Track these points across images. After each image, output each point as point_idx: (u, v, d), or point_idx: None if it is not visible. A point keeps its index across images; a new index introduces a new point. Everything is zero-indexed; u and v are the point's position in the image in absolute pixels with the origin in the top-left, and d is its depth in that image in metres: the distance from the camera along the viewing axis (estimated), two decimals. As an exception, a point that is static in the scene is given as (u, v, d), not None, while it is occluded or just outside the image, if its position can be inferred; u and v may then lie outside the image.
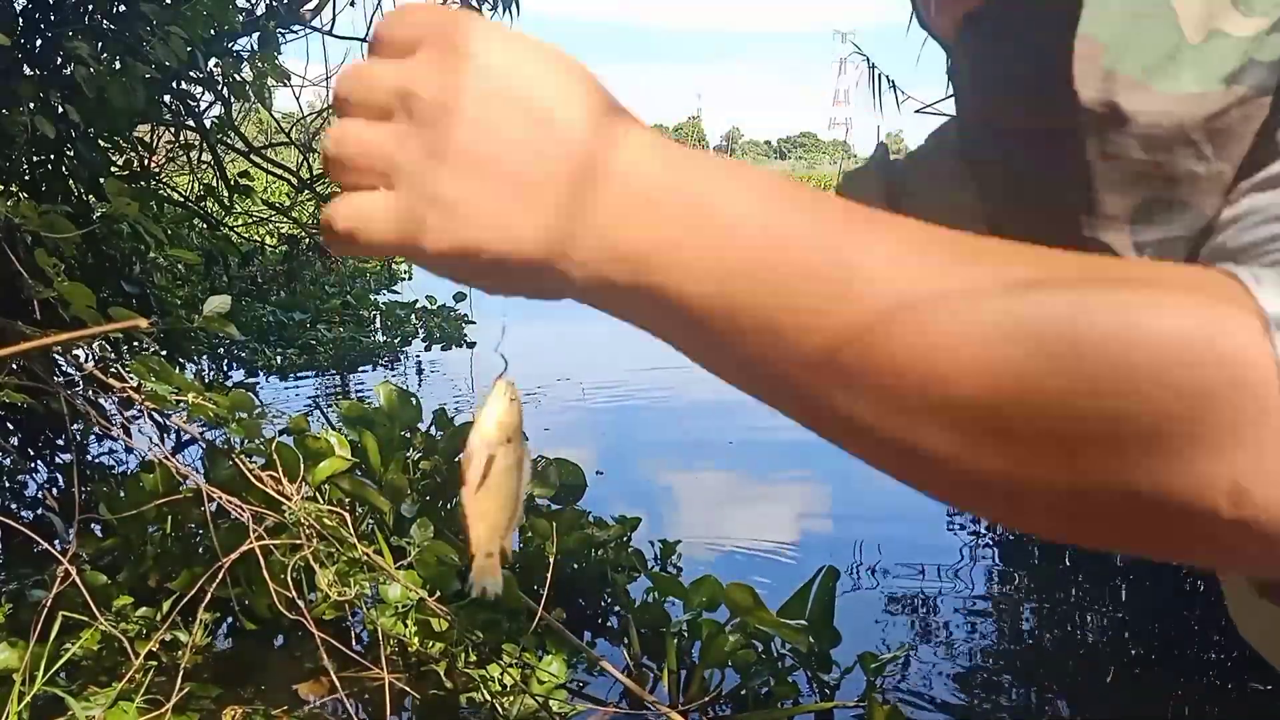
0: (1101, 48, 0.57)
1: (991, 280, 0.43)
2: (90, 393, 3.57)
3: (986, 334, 0.41)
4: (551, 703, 2.73)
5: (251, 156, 6.53)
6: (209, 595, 2.41)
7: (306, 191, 6.98)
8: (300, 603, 2.46)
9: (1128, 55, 0.56)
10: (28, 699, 2.37)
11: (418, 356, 7.95)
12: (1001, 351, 0.41)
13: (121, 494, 3.30)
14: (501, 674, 2.77)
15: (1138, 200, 0.59)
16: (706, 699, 2.84)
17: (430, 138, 0.44)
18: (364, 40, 6.68)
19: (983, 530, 4.57)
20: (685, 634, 3.02)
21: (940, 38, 0.72)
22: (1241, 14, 0.57)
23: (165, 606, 2.89)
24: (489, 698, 2.74)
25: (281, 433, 3.29)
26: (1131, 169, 0.58)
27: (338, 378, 7.16)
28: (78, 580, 2.31)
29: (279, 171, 6.92)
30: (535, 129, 0.45)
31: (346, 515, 2.61)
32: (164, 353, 4.24)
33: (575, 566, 3.45)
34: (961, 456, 0.43)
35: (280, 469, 2.68)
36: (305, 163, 6.94)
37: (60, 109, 3.82)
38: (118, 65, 3.90)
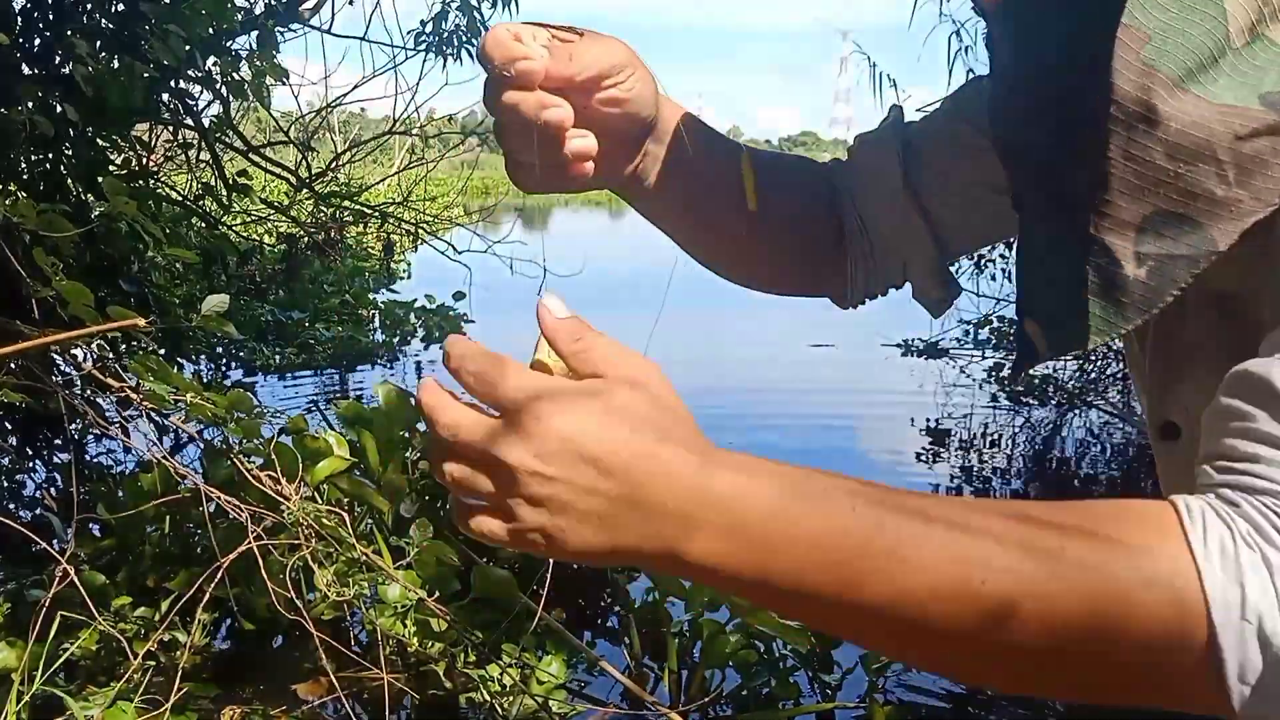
0: (1145, 38, 0.56)
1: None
2: (88, 392, 3.57)
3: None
4: (551, 703, 2.72)
5: (250, 155, 6.52)
6: (207, 595, 2.40)
7: (305, 190, 6.98)
8: (299, 603, 2.45)
9: (1170, 51, 0.55)
10: (26, 699, 2.36)
11: (417, 356, 7.94)
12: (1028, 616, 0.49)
13: (120, 494, 3.29)
14: (501, 674, 2.76)
15: (1149, 209, 0.58)
16: (707, 699, 2.84)
17: (529, 496, 0.52)
18: (363, 39, 6.68)
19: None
20: (686, 634, 3.01)
21: (981, 4, 0.71)
22: None
23: (164, 606, 2.88)
24: (488, 698, 2.74)
25: (280, 432, 3.28)
26: (1151, 175, 0.57)
27: (336, 377, 7.15)
28: (76, 580, 2.31)
29: (278, 170, 6.91)
30: (615, 497, 0.52)
31: (345, 515, 2.61)
32: (162, 352, 4.24)
33: (574, 565, 3.44)
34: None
35: (279, 469, 2.67)
36: (304, 162, 6.93)
37: (59, 108, 3.81)
38: (116, 64, 3.89)
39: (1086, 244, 0.60)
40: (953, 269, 0.93)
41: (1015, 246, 0.72)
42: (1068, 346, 0.65)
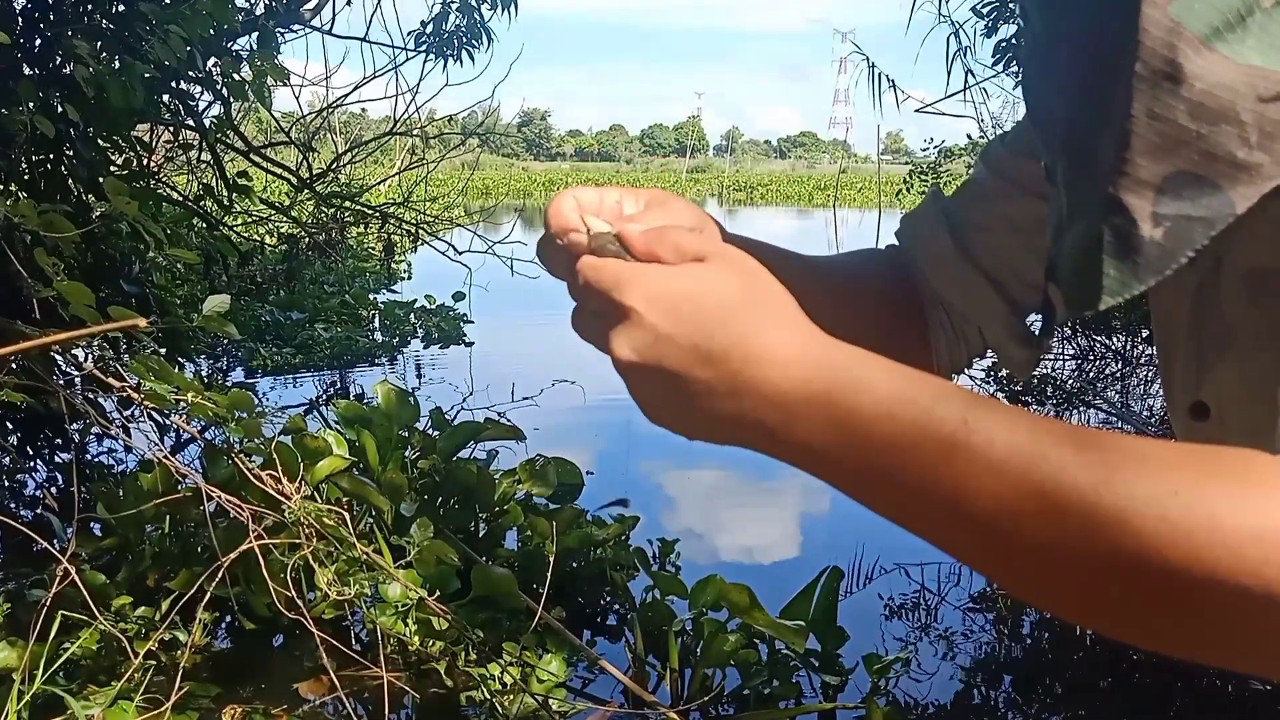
0: None
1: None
2: (89, 392, 3.57)
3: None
4: (551, 701, 2.73)
5: (251, 156, 6.53)
6: (208, 594, 2.41)
7: (306, 191, 6.98)
8: (300, 602, 2.45)
9: (1198, 8, 0.55)
10: (27, 698, 2.37)
11: (416, 356, 7.95)
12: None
13: (120, 493, 3.30)
14: (501, 673, 2.77)
15: (1169, 169, 0.58)
16: (708, 698, 2.84)
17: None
18: (363, 40, 6.69)
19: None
20: (688, 633, 3.02)
21: None
22: None
23: (164, 606, 2.88)
24: (489, 696, 2.74)
25: (280, 432, 3.29)
26: (1173, 134, 0.57)
27: (336, 377, 7.16)
28: (77, 580, 2.31)
29: (278, 171, 6.92)
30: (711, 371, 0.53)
31: (345, 514, 2.61)
32: (163, 352, 4.24)
33: (575, 565, 3.45)
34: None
35: (279, 468, 2.68)
36: (305, 162, 6.94)
37: (60, 108, 3.82)
38: (117, 64, 3.89)
39: (1106, 203, 0.60)
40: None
41: (1047, 219, 0.73)
42: (1081, 306, 0.65)
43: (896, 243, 0.97)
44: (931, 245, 0.91)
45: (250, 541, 2.44)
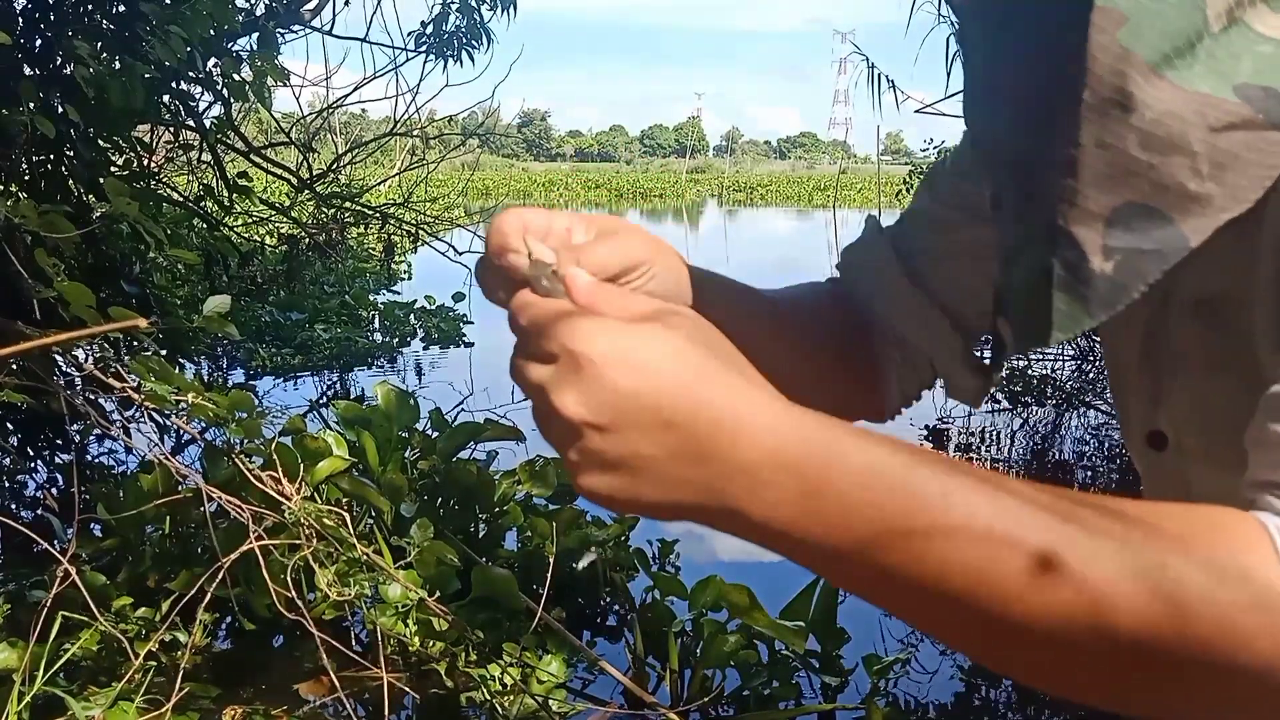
0: (1122, 20, 0.54)
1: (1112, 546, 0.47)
2: (90, 393, 3.57)
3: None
4: (551, 702, 2.73)
5: (251, 156, 6.53)
6: (208, 595, 2.41)
7: (306, 191, 6.98)
8: (300, 603, 2.45)
9: (1146, 33, 0.53)
10: (28, 699, 2.37)
11: (416, 356, 7.95)
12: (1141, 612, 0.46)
13: (121, 494, 3.30)
14: (501, 674, 2.77)
15: (1119, 201, 0.56)
16: (707, 699, 2.84)
17: (587, 444, 0.49)
18: (364, 41, 6.69)
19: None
20: (687, 634, 3.02)
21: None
22: (1272, 10, 0.54)
23: (164, 606, 2.88)
24: (489, 697, 2.74)
25: (280, 433, 3.29)
26: (1123, 165, 0.55)
27: (336, 377, 7.15)
28: (77, 580, 2.31)
29: (279, 171, 6.92)
30: (669, 441, 0.48)
31: (345, 515, 2.61)
32: (164, 353, 4.24)
33: (574, 565, 3.45)
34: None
35: (279, 469, 2.68)
36: (305, 163, 6.94)
37: (60, 108, 3.82)
38: (117, 65, 3.89)
39: (1054, 236, 0.59)
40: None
41: (995, 246, 0.72)
42: (1030, 341, 0.63)
43: (839, 275, 0.93)
44: (881, 276, 0.88)
45: (250, 542, 2.44)
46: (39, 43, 4.13)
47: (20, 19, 4.10)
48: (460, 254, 7.92)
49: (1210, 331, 0.63)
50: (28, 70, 4.06)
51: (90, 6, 4.20)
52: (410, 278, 11.53)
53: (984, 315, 0.89)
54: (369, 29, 6.72)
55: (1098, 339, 0.84)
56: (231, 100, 5.46)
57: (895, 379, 0.91)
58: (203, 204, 6.10)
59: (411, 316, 8.75)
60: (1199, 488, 0.67)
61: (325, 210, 7.42)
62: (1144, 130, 0.54)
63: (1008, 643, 0.49)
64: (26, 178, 4.14)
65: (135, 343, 3.46)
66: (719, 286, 0.79)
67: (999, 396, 6.55)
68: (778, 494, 0.47)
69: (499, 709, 2.70)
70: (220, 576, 2.39)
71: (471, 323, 8.73)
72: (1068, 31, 0.56)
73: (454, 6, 6.49)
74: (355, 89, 7.11)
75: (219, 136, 5.95)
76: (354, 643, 3.02)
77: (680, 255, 0.72)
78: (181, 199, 6.15)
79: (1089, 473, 5.45)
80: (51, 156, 4.06)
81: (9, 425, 4.71)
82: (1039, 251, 0.60)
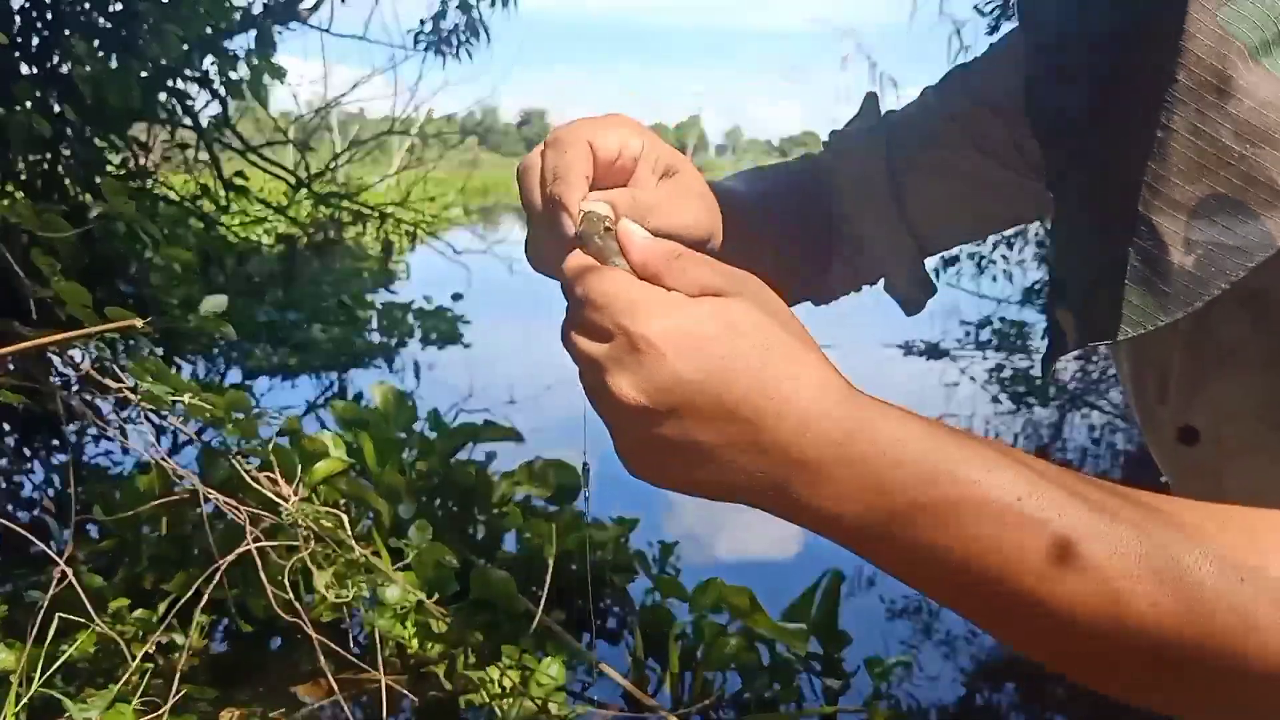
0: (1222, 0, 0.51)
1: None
2: (86, 393, 3.55)
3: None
4: (551, 705, 2.71)
5: (248, 155, 6.51)
6: (205, 597, 2.39)
7: (303, 190, 6.97)
8: (297, 605, 2.44)
9: (1248, 15, 0.51)
10: (25, 701, 2.35)
11: (414, 357, 7.93)
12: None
13: (117, 495, 3.28)
14: (501, 676, 2.75)
15: (1206, 191, 0.53)
16: (708, 702, 2.83)
17: (641, 424, 0.48)
18: (362, 39, 6.67)
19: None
20: (688, 636, 3.00)
21: None
22: None
23: (161, 608, 2.87)
24: (488, 700, 2.73)
25: (278, 433, 3.27)
26: (1214, 154, 0.53)
27: (334, 378, 7.14)
28: (74, 582, 2.29)
29: (276, 170, 6.90)
30: (728, 429, 0.47)
31: (344, 516, 2.59)
32: (160, 353, 4.22)
33: (574, 568, 3.43)
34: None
35: (277, 470, 2.66)
36: (302, 162, 6.93)
37: (57, 108, 3.81)
38: (114, 64, 3.88)
39: (1132, 224, 0.55)
40: (940, 270, 0.90)
41: (1050, 230, 0.68)
42: (1095, 336, 0.60)
43: (825, 150, 0.92)
44: (861, 174, 0.86)
45: (248, 544, 2.42)
46: (36, 42, 4.11)
47: (18, 18, 4.08)
48: (459, 253, 7.92)
49: (1259, 324, 0.61)
50: (24, 69, 4.05)
51: (87, 5, 4.18)
52: (408, 277, 11.52)
53: (947, 236, 0.89)
54: (367, 27, 6.73)
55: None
56: (229, 99, 5.46)
57: (843, 271, 0.90)
58: (200, 203, 6.08)
59: (410, 316, 8.73)
60: (1233, 482, 0.65)
61: (323, 209, 7.41)
62: (1240, 119, 0.52)
63: (1076, 652, 0.47)
64: (23, 177, 4.13)
65: (132, 343, 3.44)
66: (729, 215, 0.75)
67: (1001, 398, 6.54)
68: (839, 488, 0.46)
69: (498, 712, 2.68)
70: (217, 578, 2.37)
71: (470, 323, 8.71)
72: (1163, 9, 0.53)
73: (453, 4, 6.48)
74: (354, 87, 7.11)
75: (216, 135, 5.94)
76: (352, 645, 3.00)
77: (705, 184, 0.68)
78: (178, 198, 6.13)
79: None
80: (48, 156, 4.05)
81: (5, 426, 4.69)
82: (1112, 239, 0.57)
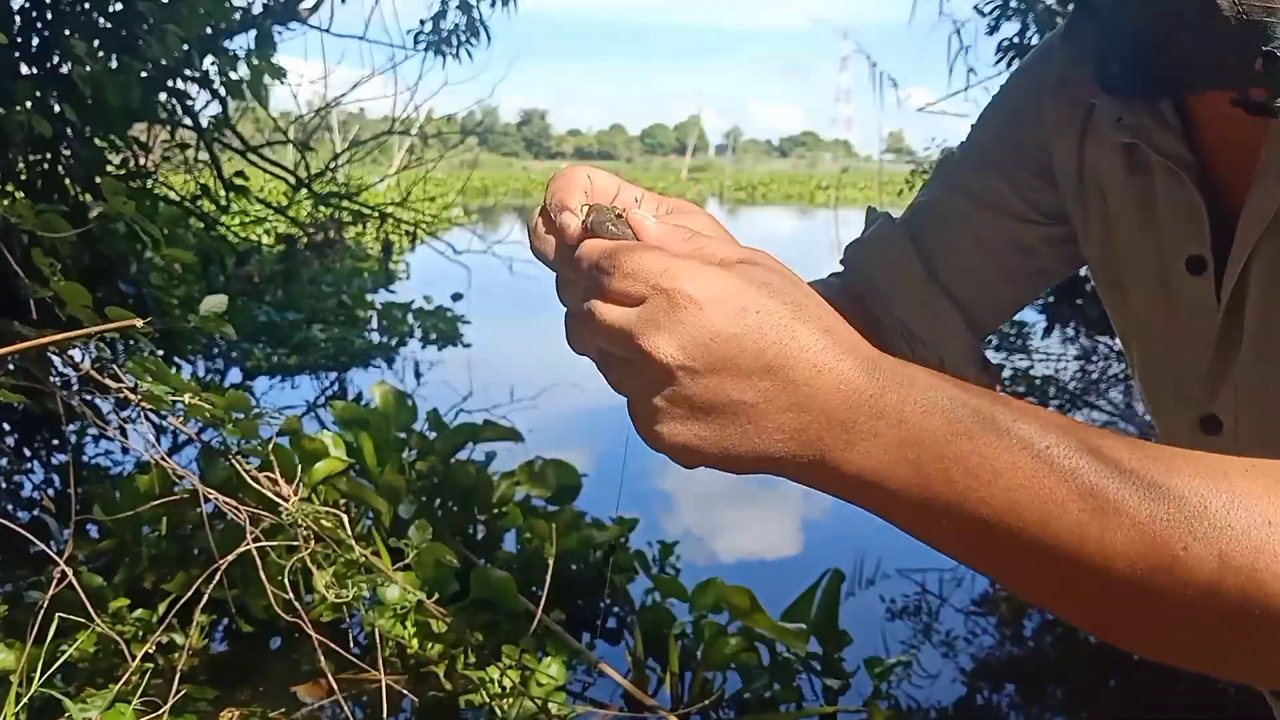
0: None
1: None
2: (86, 393, 3.55)
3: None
4: (551, 705, 2.71)
5: (248, 155, 6.51)
6: (205, 597, 2.39)
7: (303, 190, 6.97)
8: (297, 604, 2.43)
9: None
10: (25, 701, 2.35)
11: (414, 356, 7.93)
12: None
13: (117, 495, 3.28)
14: (501, 676, 2.75)
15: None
16: (708, 702, 2.83)
17: (676, 391, 0.47)
18: (362, 39, 6.67)
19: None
20: (688, 636, 3.00)
21: None
22: None
23: (161, 608, 2.87)
24: (488, 700, 2.72)
25: (278, 433, 3.27)
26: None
27: (333, 378, 7.14)
28: (74, 582, 2.29)
29: (276, 170, 6.90)
30: (766, 386, 0.46)
31: (343, 516, 2.59)
32: (160, 353, 4.22)
33: (574, 567, 3.43)
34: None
35: (276, 470, 2.66)
36: (302, 162, 6.92)
37: (57, 108, 3.81)
38: (114, 64, 3.88)
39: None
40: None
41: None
42: None
43: (844, 269, 0.93)
44: (896, 270, 0.88)
45: (247, 543, 2.42)
46: (36, 42, 4.11)
47: (18, 18, 4.08)
48: (459, 253, 7.91)
49: None
50: (24, 69, 4.05)
51: (87, 5, 4.18)
52: (408, 277, 11.52)
53: (994, 310, 0.90)
54: (367, 27, 6.72)
55: (1117, 335, 0.85)
56: (229, 99, 5.45)
57: None
58: (200, 203, 6.08)
59: (409, 316, 8.73)
60: None
61: (323, 209, 7.41)
62: None
63: (1114, 609, 0.47)
64: (23, 177, 4.13)
65: (132, 343, 3.44)
66: None
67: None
68: (872, 444, 0.46)
69: (498, 711, 2.68)
70: (217, 578, 2.37)
71: (470, 323, 8.71)
72: None
73: (453, 3, 6.48)
74: (354, 87, 7.11)
75: (216, 135, 5.94)
76: (352, 645, 3.00)
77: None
78: (178, 198, 6.13)
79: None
80: (48, 156, 4.05)
81: (5, 426, 4.69)
82: None
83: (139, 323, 2.09)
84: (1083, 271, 0.89)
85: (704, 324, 0.46)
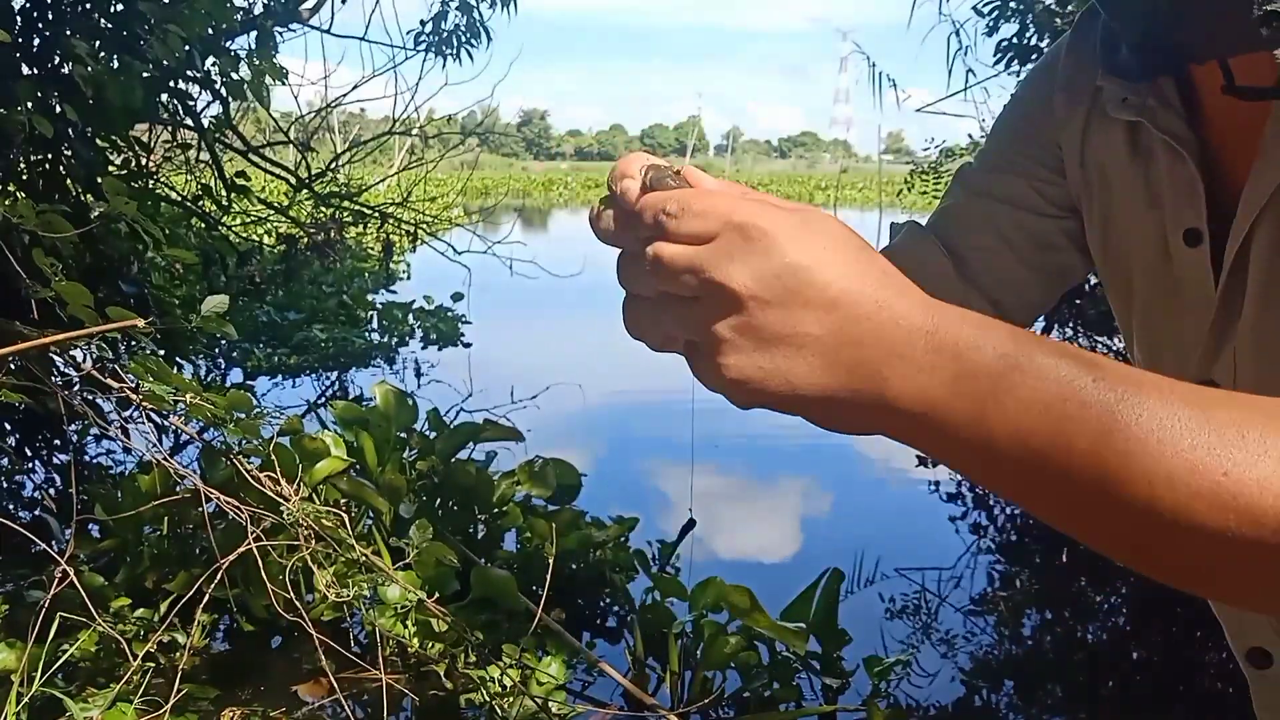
0: None
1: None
2: (88, 393, 3.56)
3: None
4: (551, 704, 2.72)
5: (249, 156, 6.52)
6: (207, 596, 2.40)
7: (304, 191, 6.97)
8: (298, 604, 2.44)
9: None
10: (26, 700, 2.36)
11: (414, 356, 7.93)
12: None
13: (119, 495, 3.28)
14: (501, 675, 2.76)
15: None
16: (708, 701, 2.83)
17: (742, 324, 0.49)
18: (363, 39, 6.67)
19: (984, 529, 4.56)
20: (688, 635, 3.01)
21: None
22: None
23: (163, 607, 2.88)
24: (489, 699, 2.73)
25: (279, 433, 3.28)
26: None
27: (334, 378, 7.15)
28: (75, 581, 2.30)
29: (277, 171, 6.91)
30: (831, 318, 0.48)
31: (344, 516, 2.60)
32: (162, 353, 4.23)
33: (574, 567, 3.44)
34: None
35: (278, 470, 2.66)
36: (303, 162, 6.93)
37: (58, 108, 3.81)
38: (115, 64, 3.88)
39: (1252, 27, 0.60)
40: None
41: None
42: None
43: None
44: (928, 270, 0.90)
45: (249, 543, 2.43)
46: (37, 42, 4.12)
47: (19, 18, 4.09)
48: (459, 254, 7.92)
49: None
50: (26, 70, 4.05)
51: (89, 6, 4.19)
52: (409, 277, 11.53)
53: (1026, 306, 0.93)
54: (368, 28, 6.72)
55: (1117, 325, 0.88)
56: (230, 99, 5.46)
57: None
58: (201, 203, 6.09)
59: (410, 316, 8.74)
60: None
61: (323, 210, 7.41)
62: None
63: (1182, 549, 0.47)
64: (24, 177, 4.14)
65: (133, 343, 3.45)
66: None
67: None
68: (930, 377, 0.47)
69: (498, 710, 2.69)
70: (219, 577, 2.38)
71: (470, 322, 8.72)
72: None
73: (453, 4, 6.48)
74: (354, 88, 7.11)
75: (217, 136, 5.94)
76: (353, 644, 3.01)
77: None
78: (180, 198, 6.14)
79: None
80: (49, 156, 4.06)
81: (7, 426, 4.70)
82: None
83: (140, 323, 2.10)
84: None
85: (776, 255, 0.47)
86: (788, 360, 0.48)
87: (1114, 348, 7.41)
